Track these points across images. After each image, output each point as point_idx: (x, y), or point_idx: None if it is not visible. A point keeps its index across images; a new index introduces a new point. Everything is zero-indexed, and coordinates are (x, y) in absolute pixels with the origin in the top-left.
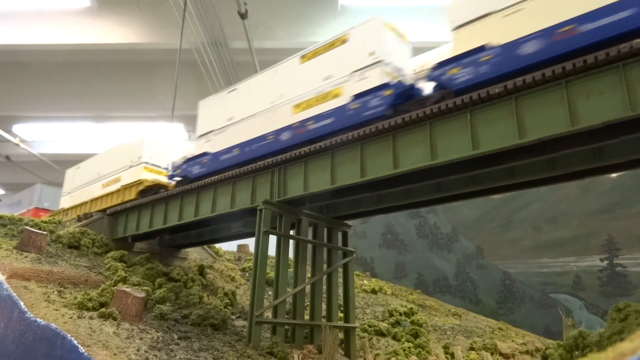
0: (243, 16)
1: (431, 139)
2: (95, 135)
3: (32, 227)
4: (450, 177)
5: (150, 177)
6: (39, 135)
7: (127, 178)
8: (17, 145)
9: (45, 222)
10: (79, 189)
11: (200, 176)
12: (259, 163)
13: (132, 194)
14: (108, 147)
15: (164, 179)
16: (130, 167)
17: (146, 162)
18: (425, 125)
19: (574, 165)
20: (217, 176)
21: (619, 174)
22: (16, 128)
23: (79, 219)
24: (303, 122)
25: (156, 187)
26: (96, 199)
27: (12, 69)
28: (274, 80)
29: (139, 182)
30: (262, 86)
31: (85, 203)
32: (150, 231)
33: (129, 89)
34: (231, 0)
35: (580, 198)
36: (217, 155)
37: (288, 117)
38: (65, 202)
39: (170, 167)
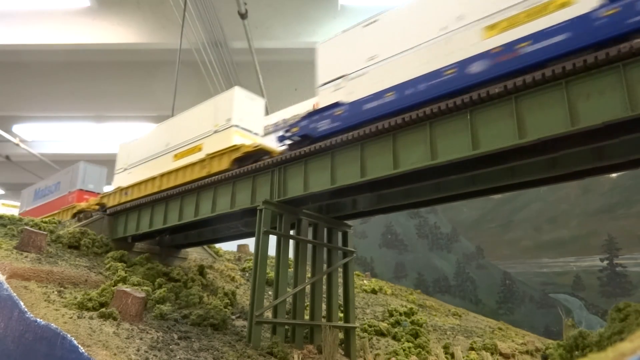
0: (243, 16)
1: (431, 139)
2: (95, 135)
3: (32, 227)
4: (450, 177)
5: (248, 141)
6: (39, 135)
7: (214, 145)
8: (17, 145)
9: (45, 222)
10: (140, 164)
11: (330, 133)
12: (259, 163)
13: (223, 164)
14: (156, 125)
15: (265, 145)
16: (216, 132)
17: (236, 125)
18: (425, 125)
19: (574, 165)
20: (361, 130)
21: (619, 174)
22: (16, 128)
23: (79, 218)
24: (509, 46)
25: (258, 154)
26: (169, 173)
27: (12, 69)
28: (440, 4)
29: (233, 149)
30: (420, 13)
31: (152, 179)
32: (150, 231)
33: (129, 89)
34: (231, 0)
35: (580, 198)
36: (357, 104)
37: (476, 44)
38: (121, 180)
39: (266, 130)
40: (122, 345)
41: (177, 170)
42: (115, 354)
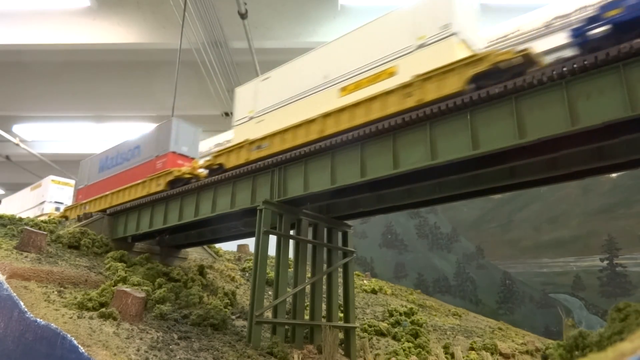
0: (243, 16)
1: (431, 139)
2: (95, 135)
3: (32, 227)
4: (450, 177)
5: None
6: (39, 135)
7: (421, 64)
8: (17, 145)
9: (45, 222)
10: (280, 107)
11: None
12: (259, 163)
13: (449, 86)
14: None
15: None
16: (421, 46)
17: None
18: (425, 125)
19: (574, 165)
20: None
21: (619, 174)
22: (16, 128)
23: (79, 218)
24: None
25: (523, 66)
26: (338, 112)
27: (12, 69)
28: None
29: (472, 61)
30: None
31: (307, 124)
32: (150, 231)
33: (129, 89)
34: (231, 0)
35: (580, 198)
36: None
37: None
38: (246, 132)
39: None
40: (122, 345)
41: (351, 106)
42: (115, 354)
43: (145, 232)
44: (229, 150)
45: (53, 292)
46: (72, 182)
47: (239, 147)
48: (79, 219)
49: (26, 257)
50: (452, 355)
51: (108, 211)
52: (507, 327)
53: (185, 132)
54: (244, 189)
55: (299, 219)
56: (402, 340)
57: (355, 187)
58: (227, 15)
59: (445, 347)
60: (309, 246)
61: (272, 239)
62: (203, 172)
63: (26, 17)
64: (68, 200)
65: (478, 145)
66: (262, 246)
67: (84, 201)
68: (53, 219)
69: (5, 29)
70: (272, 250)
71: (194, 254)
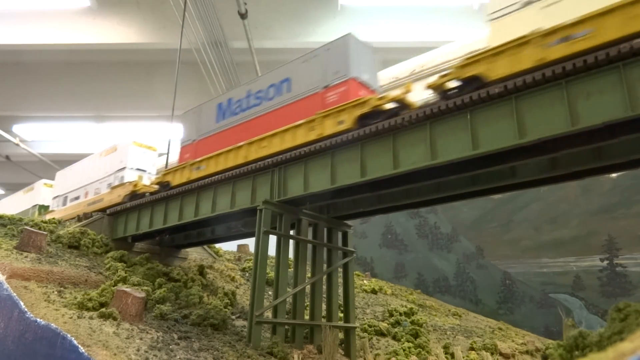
0: (243, 16)
1: (431, 139)
2: (95, 135)
3: (32, 227)
4: (450, 177)
5: None
6: (39, 135)
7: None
8: (17, 145)
9: (45, 222)
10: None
11: None
12: (259, 163)
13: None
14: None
15: None
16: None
17: None
18: (425, 125)
19: (574, 165)
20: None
21: (619, 174)
22: (16, 128)
23: (79, 218)
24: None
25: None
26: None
27: (12, 69)
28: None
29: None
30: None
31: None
32: (150, 231)
33: (129, 89)
34: (231, 0)
35: (580, 198)
36: None
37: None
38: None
39: None
40: (122, 345)
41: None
42: (115, 354)
43: (145, 232)
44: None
45: (53, 292)
46: (155, 145)
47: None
48: (79, 219)
49: (26, 257)
50: (452, 355)
51: (108, 211)
52: (507, 327)
53: (363, 53)
54: (243, 189)
55: (299, 219)
56: (402, 340)
57: (355, 187)
58: (227, 15)
59: (445, 347)
60: (309, 246)
61: (272, 239)
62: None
63: (26, 17)
64: (151, 167)
65: (478, 145)
66: (262, 246)
67: (197, 160)
68: (140, 188)
69: (5, 29)
70: (272, 250)
71: (194, 254)
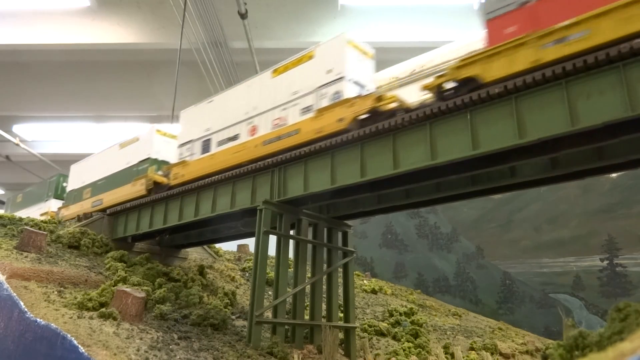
0: (243, 16)
1: (431, 139)
2: (95, 135)
3: (32, 227)
4: (450, 177)
5: None
6: (39, 135)
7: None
8: (17, 145)
9: (45, 222)
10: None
11: None
12: (259, 163)
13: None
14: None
15: None
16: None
17: None
18: (425, 125)
19: (574, 165)
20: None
21: (619, 174)
22: (16, 128)
23: (79, 219)
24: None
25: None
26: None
27: (12, 69)
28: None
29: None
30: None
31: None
32: (150, 231)
33: (129, 89)
34: (231, 0)
35: (580, 198)
36: None
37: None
38: None
39: None
40: (122, 345)
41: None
42: (115, 354)
43: (145, 232)
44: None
45: (53, 292)
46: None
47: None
48: (79, 219)
49: (26, 257)
50: (452, 355)
51: (108, 211)
52: (507, 327)
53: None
54: (243, 189)
55: (299, 219)
56: (402, 340)
57: (355, 187)
58: (227, 15)
59: (445, 347)
60: (309, 246)
61: (272, 239)
62: None
63: (26, 17)
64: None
65: (478, 145)
66: (262, 246)
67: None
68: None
69: (5, 29)
70: (272, 250)
71: (194, 254)
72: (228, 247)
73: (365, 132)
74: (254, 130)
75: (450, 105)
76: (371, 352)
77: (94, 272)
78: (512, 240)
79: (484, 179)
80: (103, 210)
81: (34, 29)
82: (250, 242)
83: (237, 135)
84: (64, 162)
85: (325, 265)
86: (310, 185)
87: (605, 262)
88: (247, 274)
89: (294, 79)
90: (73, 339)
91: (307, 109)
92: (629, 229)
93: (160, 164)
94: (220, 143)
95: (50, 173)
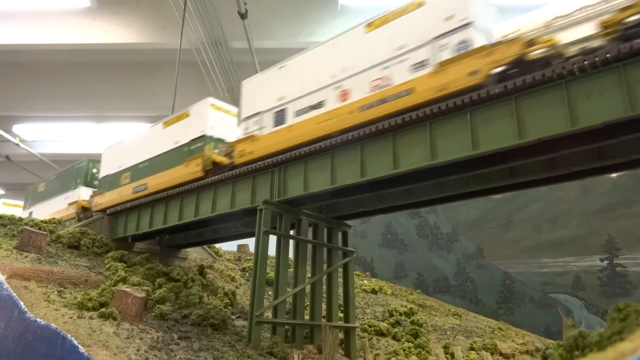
0: (243, 16)
1: (431, 139)
2: (95, 135)
3: (32, 227)
4: (450, 177)
5: None
6: (39, 135)
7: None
8: (17, 145)
9: (45, 222)
10: None
11: None
12: (259, 163)
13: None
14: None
15: None
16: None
17: None
18: (425, 125)
19: (574, 165)
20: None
21: (619, 174)
22: (16, 128)
23: (79, 219)
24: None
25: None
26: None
27: (12, 69)
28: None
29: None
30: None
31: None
32: (150, 231)
33: (129, 89)
34: (231, 0)
35: (580, 198)
36: None
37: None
38: None
39: None
40: (122, 345)
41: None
42: (115, 354)
43: (145, 232)
44: None
45: (53, 292)
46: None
47: None
48: (79, 219)
49: (26, 257)
50: (452, 355)
51: (108, 211)
52: (507, 327)
53: None
54: (244, 189)
55: (299, 219)
56: (402, 340)
57: (355, 187)
58: (227, 15)
59: (445, 347)
60: (309, 246)
61: (272, 239)
62: None
63: (26, 17)
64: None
65: (478, 145)
66: (262, 246)
67: None
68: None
69: (5, 29)
70: (272, 250)
71: (194, 254)
72: (228, 247)
73: (365, 132)
74: (345, 95)
75: (450, 105)
76: (371, 352)
77: (94, 272)
78: (512, 240)
79: (484, 179)
80: (147, 195)
81: (34, 29)
82: (250, 242)
83: (321, 102)
84: (64, 162)
85: (325, 265)
86: (310, 185)
87: (605, 262)
88: (247, 274)
89: (397, 32)
90: (73, 339)
91: (419, 65)
92: (629, 229)
93: (216, 142)
94: (300, 113)
95: (51, 173)
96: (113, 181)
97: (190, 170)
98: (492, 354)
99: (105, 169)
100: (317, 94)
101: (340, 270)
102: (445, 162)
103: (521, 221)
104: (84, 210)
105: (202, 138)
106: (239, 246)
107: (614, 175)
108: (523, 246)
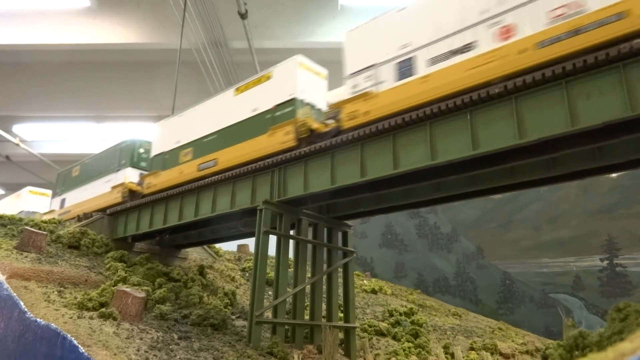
0: (243, 16)
1: (431, 139)
2: (95, 135)
3: (32, 227)
4: (450, 177)
5: None
6: (39, 135)
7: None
8: (17, 145)
9: (45, 222)
10: None
11: None
12: (259, 163)
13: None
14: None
15: None
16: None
17: None
18: (425, 125)
19: (574, 165)
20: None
21: (619, 174)
22: (16, 128)
23: (79, 218)
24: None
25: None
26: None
27: (12, 69)
28: None
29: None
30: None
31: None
32: (150, 231)
33: (129, 89)
34: (231, 0)
35: (580, 198)
36: None
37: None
38: None
39: None
40: (122, 345)
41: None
42: (115, 354)
43: (145, 232)
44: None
45: (53, 292)
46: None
47: None
48: (79, 219)
49: (26, 257)
50: (452, 355)
51: (108, 211)
52: (507, 327)
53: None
54: (244, 189)
55: (299, 219)
56: (402, 340)
57: (355, 187)
58: (227, 15)
59: (445, 347)
60: (309, 246)
61: (272, 239)
62: None
63: (26, 17)
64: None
65: (478, 145)
66: (262, 246)
67: None
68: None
69: (5, 29)
70: (272, 250)
71: (194, 254)
72: (228, 247)
73: (365, 132)
74: (507, 32)
75: (450, 105)
76: (371, 352)
77: (94, 272)
78: (512, 240)
79: (484, 179)
80: (215, 173)
81: (34, 29)
82: (250, 242)
83: (470, 44)
84: (64, 162)
85: (325, 265)
86: (310, 185)
87: (605, 262)
88: (247, 274)
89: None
90: (73, 339)
91: None
92: (629, 229)
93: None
94: (436, 60)
95: (50, 173)
96: (169, 159)
97: (277, 139)
98: (492, 354)
99: (159, 146)
100: (461, 35)
101: (340, 270)
102: (445, 162)
103: (521, 221)
104: (132, 194)
105: (291, 102)
106: (239, 246)
107: (614, 175)
108: (523, 246)
